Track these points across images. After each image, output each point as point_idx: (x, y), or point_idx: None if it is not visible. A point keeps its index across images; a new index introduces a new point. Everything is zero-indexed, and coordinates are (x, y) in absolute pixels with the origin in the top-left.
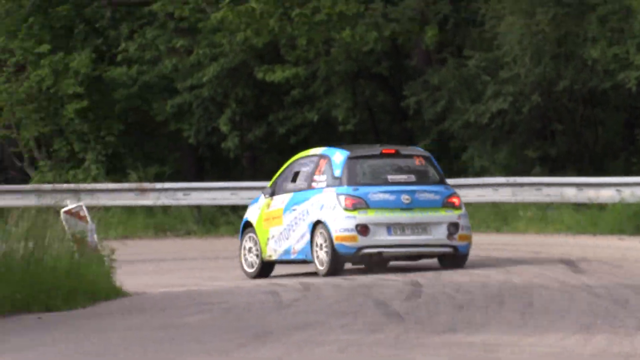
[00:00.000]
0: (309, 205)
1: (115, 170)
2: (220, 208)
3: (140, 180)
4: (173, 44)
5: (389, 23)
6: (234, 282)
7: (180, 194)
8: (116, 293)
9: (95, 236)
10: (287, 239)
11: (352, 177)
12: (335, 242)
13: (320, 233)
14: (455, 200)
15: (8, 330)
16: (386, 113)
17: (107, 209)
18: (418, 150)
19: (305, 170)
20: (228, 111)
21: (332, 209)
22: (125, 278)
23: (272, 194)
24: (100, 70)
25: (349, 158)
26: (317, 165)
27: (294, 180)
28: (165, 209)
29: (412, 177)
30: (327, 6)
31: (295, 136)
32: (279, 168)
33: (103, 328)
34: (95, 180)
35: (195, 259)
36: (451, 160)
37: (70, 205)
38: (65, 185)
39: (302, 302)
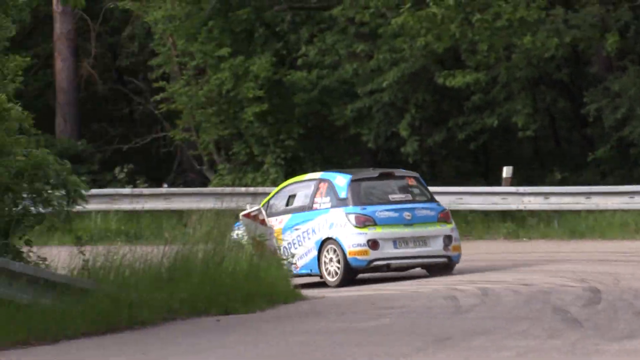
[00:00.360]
0: (315, 224)
1: (294, 174)
2: None
3: None
4: (353, 49)
5: (569, 29)
6: (412, 286)
7: None
8: (295, 297)
9: (274, 239)
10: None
11: (357, 197)
12: (349, 256)
13: (331, 248)
14: (446, 215)
15: (187, 332)
16: (566, 119)
17: None
18: (408, 172)
19: (302, 193)
20: (408, 116)
21: (343, 227)
22: (304, 282)
23: None
24: (280, 74)
25: (352, 181)
26: (317, 188)
27: (289, 203)
28: None
29: (409, 196)
30: (508, 12)
31: (474, 142)
32: (458, 173)
33: (281, 331)
34: (274, 183)
35: None
36: (631, 167)
37: (250, 208)
38: (244, 189)
39: (481, 307)
